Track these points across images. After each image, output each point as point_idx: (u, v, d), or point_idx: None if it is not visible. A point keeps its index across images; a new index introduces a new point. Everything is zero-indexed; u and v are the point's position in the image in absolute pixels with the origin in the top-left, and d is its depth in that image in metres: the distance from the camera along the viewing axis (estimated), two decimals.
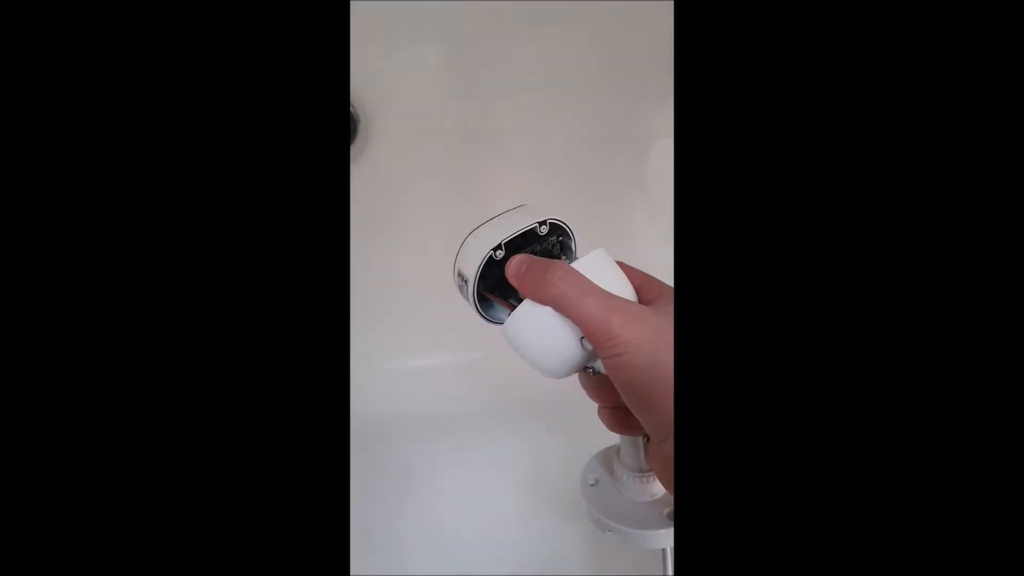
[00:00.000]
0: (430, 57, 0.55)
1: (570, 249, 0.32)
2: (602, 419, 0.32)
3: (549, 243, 0.32)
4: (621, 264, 0.30)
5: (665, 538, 0.32)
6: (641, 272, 0.30)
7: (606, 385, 0.30)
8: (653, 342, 0.25)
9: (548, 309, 0.28)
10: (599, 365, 0.29)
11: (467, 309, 0.32)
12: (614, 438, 0.34)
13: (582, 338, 0.27)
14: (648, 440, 0.32)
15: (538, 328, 0.28)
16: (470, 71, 0.56)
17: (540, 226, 0.31)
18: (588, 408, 0.33)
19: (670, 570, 0.34)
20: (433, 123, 0.57)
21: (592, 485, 0.36)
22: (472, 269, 0.30)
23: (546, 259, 0.29)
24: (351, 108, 0.55)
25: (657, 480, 0.33)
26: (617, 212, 0.64)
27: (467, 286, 0.31)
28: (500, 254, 0.30)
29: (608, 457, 0.36)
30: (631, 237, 0.64)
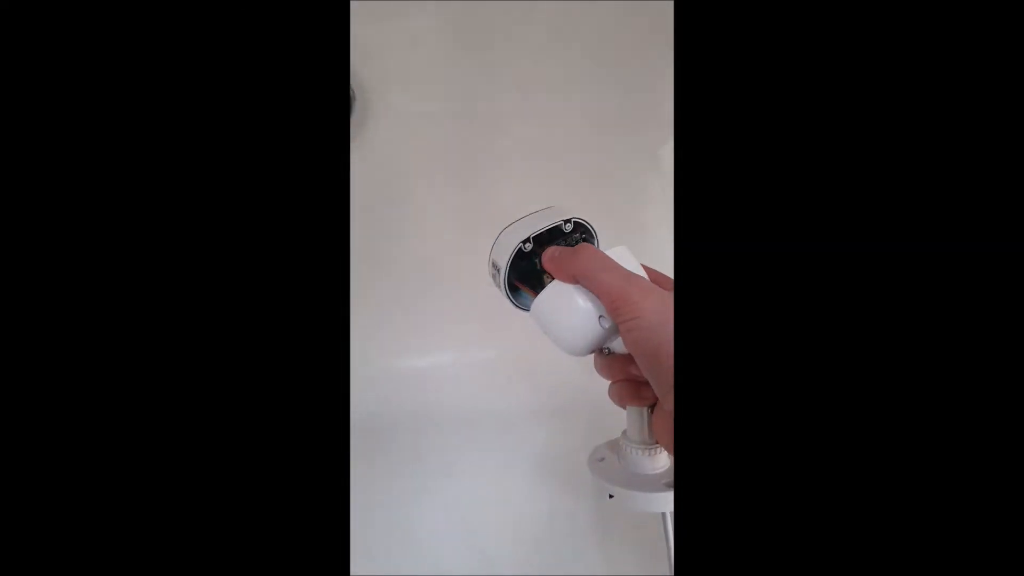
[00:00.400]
0: (433, 31, 0.51)
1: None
2: (611, 396, 0.36)
3: (573, 239, 0.36)
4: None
5: (665, 502, 0.36)
6: (658, 272, 0.35)
7: (617, 362, 0.35)
8: (664, 310, 0.29)
9: (572, 288, 0.32)
10: (614, 345, 0.34)
11: (472, 301, 0.36)
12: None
13: (600, 316, 0.32)
14: (652, 411, 0.36)
15: (562, 305, 0.33)
16: (475, 46, 0.52)
17: (565, 224, 0.35)
18: (597, 409, 0.37)
19: (671, 535, 0.37)
20: (435, 103, 0.54)
21: (599, 461, 0.40)
22: (504, 259, 0.35)
23: (570, 248, 0.34)
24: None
25: (660, 455, 0.37)
26: (628, 194, 0.61)
27: (499, 274, 0.35)
28: (529, 247, 0.35)
29: (615, 443, 0.39)
30: (638, 214, 0.61)
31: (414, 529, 0.52)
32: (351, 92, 0.51)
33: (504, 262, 0.35)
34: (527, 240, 0.35)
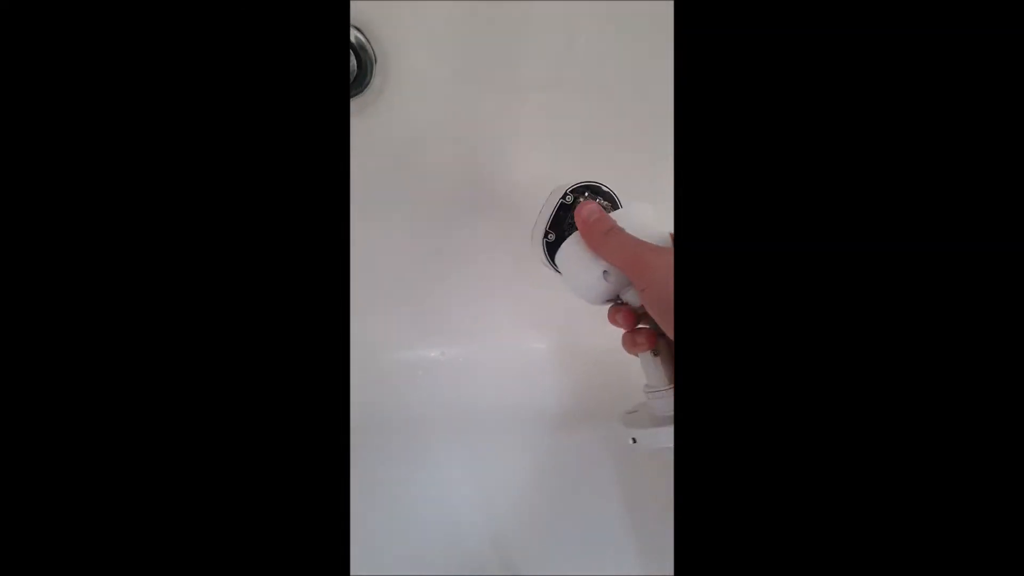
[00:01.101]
0: None
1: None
2: (625, 346, 0.37)
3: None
4: None
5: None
6: None
7: (622, 312, 0.38)
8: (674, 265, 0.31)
9: (582, 247, 0.36)
10: (628, 296, 0.37)
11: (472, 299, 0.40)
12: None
13: (604, 271, 0.35)
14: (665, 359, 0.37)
15: (575, 259, 0.37)
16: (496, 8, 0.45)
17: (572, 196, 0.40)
18: (616, 408, 0.39)
19: None
20: (453, 63, 0.47)
21: (630, 413, 0.41)
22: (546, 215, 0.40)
23: (608, 219, 0.36)
24: (352, 40, 0.44)
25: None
26: (651, 166, 0.52)
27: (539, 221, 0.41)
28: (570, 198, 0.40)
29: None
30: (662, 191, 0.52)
31: (413, 528, 0.51)
32: (372, 54, 0.45)
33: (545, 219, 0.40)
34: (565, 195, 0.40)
